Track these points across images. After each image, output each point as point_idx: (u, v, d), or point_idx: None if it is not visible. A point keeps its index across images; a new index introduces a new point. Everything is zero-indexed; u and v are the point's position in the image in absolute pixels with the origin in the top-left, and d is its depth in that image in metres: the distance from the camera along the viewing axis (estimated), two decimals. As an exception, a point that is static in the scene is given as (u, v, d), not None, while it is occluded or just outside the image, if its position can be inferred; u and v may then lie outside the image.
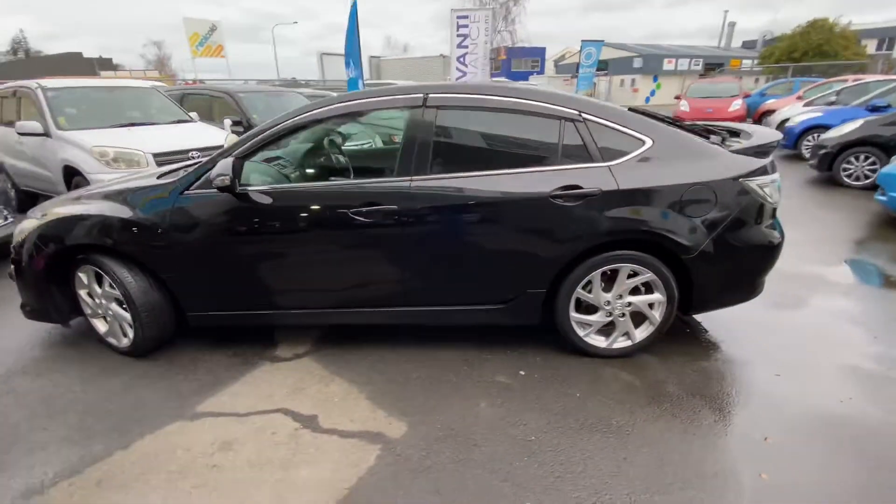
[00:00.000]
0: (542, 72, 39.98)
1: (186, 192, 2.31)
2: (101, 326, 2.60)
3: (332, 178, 2.78)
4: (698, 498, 1.64)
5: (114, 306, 2.46)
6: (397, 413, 2.11)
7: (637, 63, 32.25)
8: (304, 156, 2.99)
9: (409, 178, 2.24)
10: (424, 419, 2.07)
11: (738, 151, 2.28)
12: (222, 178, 2.11)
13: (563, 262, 2.28)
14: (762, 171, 2.25)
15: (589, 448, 1.88)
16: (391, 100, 2.35)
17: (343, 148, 3.37)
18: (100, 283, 2.46)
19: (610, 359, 2.47)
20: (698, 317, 2.87)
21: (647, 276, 2.30)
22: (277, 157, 2.82)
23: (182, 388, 2.33)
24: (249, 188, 2.28)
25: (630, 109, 2.42)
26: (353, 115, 2.44)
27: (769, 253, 2.35)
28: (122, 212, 2.35)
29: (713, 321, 2.83)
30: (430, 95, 2.30)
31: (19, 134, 4.63)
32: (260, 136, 2.32)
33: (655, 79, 31.57)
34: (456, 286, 2.40)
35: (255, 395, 2.25)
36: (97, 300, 2.51)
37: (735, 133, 2.69)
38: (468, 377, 2.36)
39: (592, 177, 2.20)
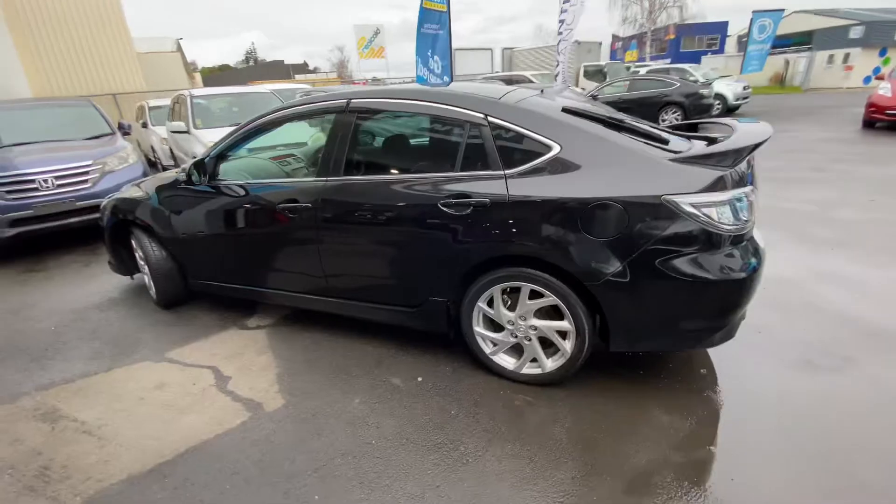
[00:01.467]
0: (720, 50, 34.15)
1: (184, 184, 2.89)
2: (147, 281, 3.44)
3: (276, 176, 2.98)
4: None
5: (146, 268, 3.24)
6: (286, 391, 2.34)
7: (855, 33, 25.00)
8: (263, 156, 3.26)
9: (325, 178, 2.41)
10: (302, 401, 2.26)
11: (681, 160, 1.83)
12: (181, 173, 2.60)
13: (458, 272, 2.18)
14: (712, 186, 1.77)
15: (413, 466, 1.83)
16: (323, 106, 2.52)
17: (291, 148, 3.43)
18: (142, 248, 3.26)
19: (522, 384, 2.26)
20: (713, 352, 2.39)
21: (550, 299, 2.04)
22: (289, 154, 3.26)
23: (171, 336, 2.97)
24: (217, 181, 2.75)
25: (564, 109, 2.13)
26: (291, 120, 2.69)
27: (727, 290, 1.84)
28: (142, 196, 3.07)
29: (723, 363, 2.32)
30: (352, 101, 2.40)
31: (171, 132, 6.15)
32: (222, 142, 2.76)
33: (883, 52, 24.09)
34: (372, 284, 2.48)
35: (206, 352, 2.75)
36: (140, 262, 3.33)
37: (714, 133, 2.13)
38: (369, 373, 2.45)
39: (485, 185, 2.04)
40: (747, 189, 1.85)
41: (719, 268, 1.80)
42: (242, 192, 2.65)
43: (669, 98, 11.42)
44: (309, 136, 3.53)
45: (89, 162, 4.73)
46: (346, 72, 53.89)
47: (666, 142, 2.01)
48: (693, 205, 1.75)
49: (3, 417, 2.28)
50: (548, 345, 2.17)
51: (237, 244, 2.80)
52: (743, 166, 1.89)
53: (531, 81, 15.02)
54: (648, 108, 11.46)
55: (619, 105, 11.49)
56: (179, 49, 32.98)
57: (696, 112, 11.24)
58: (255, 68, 56.49)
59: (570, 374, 2.15)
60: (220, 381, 2.46)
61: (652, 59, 29.88)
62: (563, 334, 2.10)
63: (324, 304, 2.68)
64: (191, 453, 1.97)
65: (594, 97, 12.26)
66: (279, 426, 2.10)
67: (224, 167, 2.81)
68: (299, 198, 2.44)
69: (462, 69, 19.23)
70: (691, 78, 13.00)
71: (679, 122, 2.60)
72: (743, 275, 1.83)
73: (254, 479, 1.82)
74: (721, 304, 1.88)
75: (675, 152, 1.92)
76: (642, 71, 15.73)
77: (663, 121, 11.48)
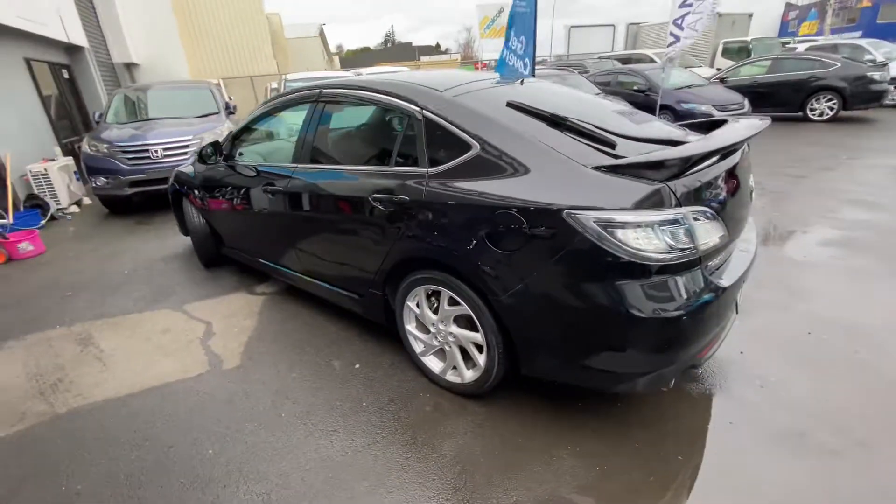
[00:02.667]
0: (937, 19, 26.19)
1: (207, 161, 3.30)
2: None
3: (275, 160, 3.06)
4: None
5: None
6: (246, 354, 2.60)
7: None
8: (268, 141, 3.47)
9: (294, 164, 2.56)
10: (252, 366, 2.50)
11: (607, 168, 1.55)
12: (197, 152, 2.98)
13: (385, 269, 2.16)
14: (630, 203, 1.47)
15: (299, 446, 1.92)
16: (303, 95, 2.64)
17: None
18: (193, 214, 3.83)
19: (445, 390, 2.19)
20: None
21: (463, 308, 1.92)
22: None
23: (196, 291, 3.48)
24: (234, 162, 3.09)
25: (508, 104, 1.94)
26: (281, 109, 2.84)
27: (646, 328, 1.52)
28: (190, 171, 3.58)
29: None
30: (324, 91, 2.48)
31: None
32: (237, 128, 3.07)
33: None
34: (330, 268, 2.59)
35: (211, 308, 3.17)
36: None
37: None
38: (319, 351, 2.59)
39: (409, 182, 1.97)
40: (687, 210, 1.49)
41: (635, 301, 1.50)
42: (250, 173, 2.93)
43: (823, 82, 9.24)
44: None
45: (190, 137, 5.63)
46: (471, 52, 54.27)
47: (612, 145, 1.71)
48: (601, 223, 1.48)
49: (58, 336, 2.95)
50: (469, 354, 2.06)
51: (244, 218, 3.13)
52: (696, 179, 1.53)
53: (653, 61, 13.46)
54: (792, 93, 9.46)
55: (753, 90, 9.71)
56: (321, 34, 36.68)
57: (859, 100, 8.96)
58: (387, 51, 60.07)
59: (486, 389, 2.02)
60: (206, 335, 2.84)
61: (834, 32, 24.32)
62: (480, 347, 1.97)
63: (302, 282, 2.87)
64: (150, 391, 2.34)
65: (722, 80, 10.53)
66: (222, 383, 2.36)
67: (242, 148, 3.14)
68: (277, 182, 2.64)
69: (578, 48, 18.01)
70: (866, 57, 10.32)
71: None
72: (673, 313, 1.50)
73: (180, 423, 2.10)
74: (638, 344, 1.57)
75: (618, 157, 1.62)
76: (801, 48, 12.92)
77: (812, 110, 9.41)
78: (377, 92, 2.20)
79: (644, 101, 8.90)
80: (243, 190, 2.96)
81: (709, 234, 1.56)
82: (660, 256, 1.47)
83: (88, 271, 4.03)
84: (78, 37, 8.00)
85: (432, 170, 1.92)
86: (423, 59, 46.82)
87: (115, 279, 3.80)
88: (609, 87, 10.00)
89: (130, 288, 3.62)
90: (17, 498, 1.77)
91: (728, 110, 8.52)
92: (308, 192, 2.46)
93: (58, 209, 5.77)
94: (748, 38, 14.23)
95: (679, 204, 1.47)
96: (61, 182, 5.87)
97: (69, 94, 7.96)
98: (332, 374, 2.39)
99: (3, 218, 4.70)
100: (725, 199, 1.68)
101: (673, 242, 1.47)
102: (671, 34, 8.07)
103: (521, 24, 7.58)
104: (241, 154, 3.14)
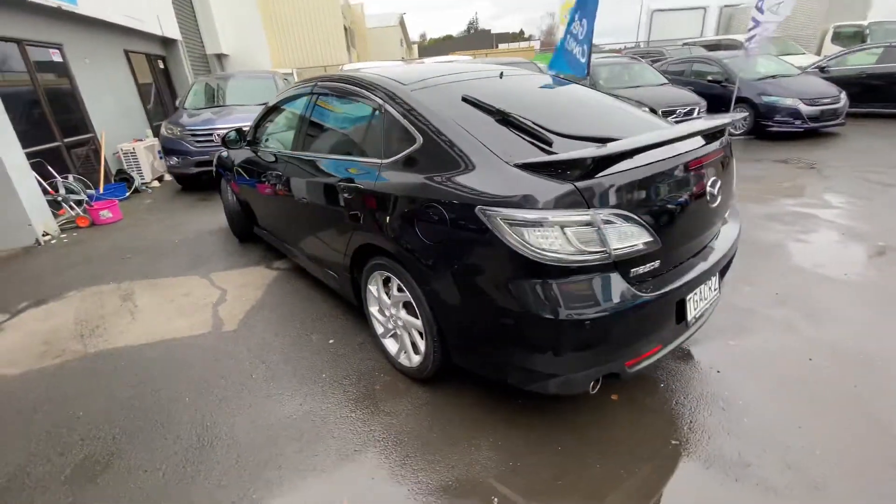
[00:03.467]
0: None
1: (231, 145, 3.65)
2: (230, 219, 4.49)
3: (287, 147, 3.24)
4: None
5: (229, 207, 4.25)
6: (244, 321, 2.90)
7: None
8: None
9: (290, 151, 2.77)
10: (245, 332, 2.78)
11: (526, 166, 1.54)
12: (221, 136, 3.31)
13: (350, 252, 2.30)
14: (551, 202, 1.44)
15: (254, 404, 2.15)
16: (303, 87, 2.83)
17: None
18: (231, 192, 4.27)
19: (400, 372, 2.30)
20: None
21: (406, 295, 2.01)
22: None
23: (224, 261, 3.89)
24: (254, 148, 3.40)
25: (464, 98, 1.96)
26: (289, 101, 3.05)
27: (544, 329, 1.50)
28: (226, 153, 3.97)
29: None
30: (318, 84, 2.65)
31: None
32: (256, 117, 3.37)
33: None
34: (317, 248, 2.79)
35: (231, 278, 3.54)
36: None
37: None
38: (304, 325, 2.81)
39: (367, 172, 2.08)
40: (596, 212, 1.43)
41: (539, 301, 1.49)
42: (266, 158, 3.22)
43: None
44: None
45: (249, 123, 6.18)
46: (553, 38, 52.40)
47: (549, 143, 1.67)
48: (507, 220, 1.48)
49: (108, 290, 3.50)
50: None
51: (260, 198, 3.45)
52: (615, 181, 1.47)
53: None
54: (907, 86, 8.06)
55: (858, 82, 8.42)
56: (401, 23, 37.55)
57: None
58: (468, 38, 59.93)
59: (427, 375, 2.09)
60: (219, 301, 3.20)
61: None
62: (421, 333, 2.04)
63: (300, 260, 3.12)
64: (159, 343, 2.72)
65: (822, 70, 9.24)
66: (216, 344, 2.67)
67: (263, 135, 3.44)
68: (276, 167, 2.88)
69: (662, 33, 16.66)
70: None
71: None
72: (577, 317, 1.47)
73: (172, 372, 2.44)
74: (543, 345, 1.55)
75: (552, 154, 1.60)
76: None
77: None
78: (355, 85, 2.32)
79: (720, 92, 8.10)
80: (258, 173, 3.25)
81: (626, 239, 1.48)
82: (566, 258, 1.44)
83: (149, 238, 4.67)
84: (172, 31, 9.05)
85: (385, 161, 2.00)
86: (501, 46, 46.19)
87: (167, 247, 4.37)
88: (682, 77, 9.24)
89: (176, 255, 4.14)
90: (36, 415, 2.19)
91: (818, 104, 7.48)
92: (298, 177, 2.67)
93: (141, 183, 6.67)
94: (864, 22, 12.20)
95: (588, 205, 1.43)
96: (146, 160, 6.76)
97: (163, 81, 9.06)
98: (307, 345, 2.60)
99: (91, 189, 5.55)
100: (663, 204, 1.58)
101: (581, 245, 1.44)
102: (752, 19, 7.25)
103: (585, 5, 7.22)
104: (264, 140, 3.44)
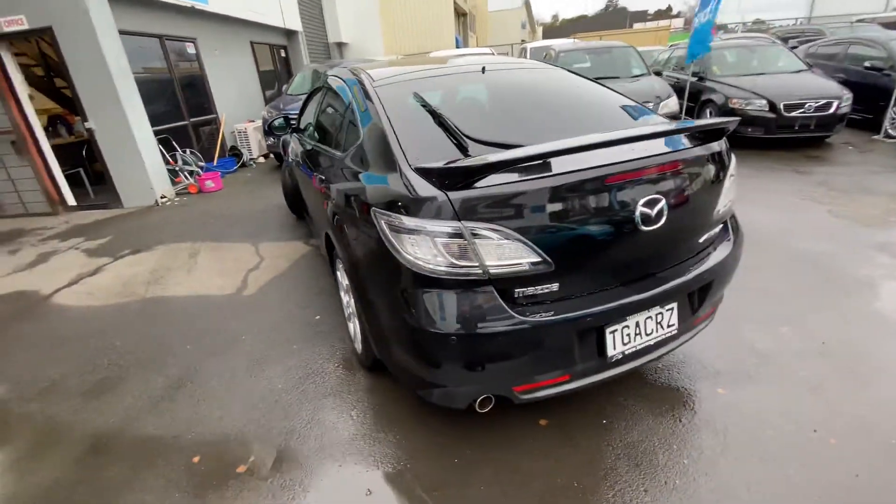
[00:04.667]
0: None
1: (291, 131, 4.05)
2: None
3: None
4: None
5: (289, 185, 4.76)
6: (263, 289, 3.29)
7: None
8: None
9: (309, 140, 3.02)
10: (258, 298, 3.16)
11: (419, 170, 1.50)
12: (269, 123, 3.71)
13: (323, 239, 2.47)
14: (425, 209, 1.40)
15: (229, 361, 2.47)
16: (321, 81, 3.02)
17: None
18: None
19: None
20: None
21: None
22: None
23: (276, 233, 4.40)
24: (299, 135, 3.75)
25: (414, 95, 1.94)
26: (315, 93, 3.24)
27: (416, 337, 1.48)
28: (285, 140, 4.43)
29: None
30: (327, 77, 2.82)
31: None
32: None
33: None
34: (317, 232, 3.01)
35: (273, 249, 4.00)
36: (291, 181, 4.88)
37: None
38: (307, 298, 3.08)
39: (331, 165, 2.21)
40: (464, 224, 1.34)
41: (412, 308, 1.47)
42: (297, 146, 3.55)
43: None
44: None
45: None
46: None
47: (464, 148, 1.59)
48: (390, 224, 1.47)
49: (184, 248, 4.21)
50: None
51: (296, 180, 3.81)
52: (499, 192, 1.36)
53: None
54: None
55: None
56: (526, 5, 36.44)
57: None
58: (601, 18, 55.87)
59: (367, 364, 2.18)
60: (254, 267, 3.66)
61: None
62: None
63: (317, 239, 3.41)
64: (194, 297, 3.24)
65: None
66: (232, 304, 3.09)
67: (304, 123, 3.77)
68: (299, 153, 3.16)
69: (830, 8, 13.60)
70: None
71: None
72: (443, 331, 1.41)
73: (190, 321, 2.91)
74: (418, 353, 1.52)
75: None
76: None
77: None
78: (340, 79, 2.44)
79: (881, 82, 6.46)
80: (293, 158, 3.60)
81: (506, 256, 1.37)
82: (438, 269, 1.39)
83: (234, 207, 5.45)
84: (294, 23, 10.15)
85: (342, 154, 2.10)
86: (637, 25, 42.10)
87: (243, 216, 5.07)
88: (832, 63, 7.54)
89: (246, 224, 4.79)
90: (90, 339, 2.81)
91: None
92: (306, 165, 2.91)
93: (249, 159, 7.74)
94: None
95: (458, 217, 1.34)
96: (255, 139, 7.80)
97: (283, 69, 10.27)
98: (298, 318, 2.86)
99: (202, 162, 6.63)
100: (560, 223, 1.40)
101: (452, 258, 1.37)
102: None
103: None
104: (303, 129, 3.78)
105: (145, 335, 2.81)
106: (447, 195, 1.36)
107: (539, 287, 1.45)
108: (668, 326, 1.66)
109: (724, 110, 6.22)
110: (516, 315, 1.40)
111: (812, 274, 2.88)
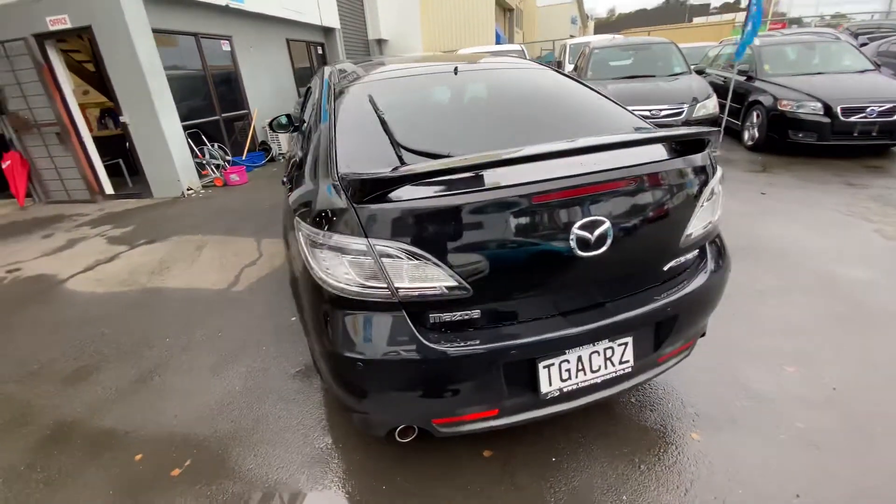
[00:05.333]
0: None
1: (293, 129, 4.06)
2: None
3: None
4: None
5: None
6: (252, 287, 3.32)
7: None
8: None
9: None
10: (246, 296, 3.19)
11: (340, 181, 1.39)
12: (272, 121, 3.73)
13: None
14: (335, 223, 1.29)
15: (202, 355, 2.49)
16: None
17: None
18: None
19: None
20: None
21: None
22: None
23: (277, 230, 4.43)
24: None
25: (369, 98, 1.84)
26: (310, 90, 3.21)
27: (326, 357, 1.40)
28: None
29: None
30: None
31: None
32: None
33: None
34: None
35: (273, 247, 4.05)
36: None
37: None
38: (285, 302, 3.05)
39: (295, 166, 2.15)
40: (367, 240, 1.22)
41: (320, 327, 1.38)
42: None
43: None
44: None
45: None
46: (773, 5, 42.54)
47: (399, 156, 1.48)
48: (305, 237, 1.38)
49: (193, 240, 4.35)
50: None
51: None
52: (408, 208, 1.23)
53: None
54: None
55: None
56: (577, 0, 35.23)
57: None
58: (660, 11, 53.09)
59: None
60: (250, 263, 3.71)
61: None
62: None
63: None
64: (187, 290, 3.33)
65: None
66: (220, 300, 3.14)
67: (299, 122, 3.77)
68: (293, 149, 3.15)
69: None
70: None
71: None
72: (346, 354, 1.30)
73: (177, 313, 2.97)
74: (330, 373, 1.42)
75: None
76: None
77: None
78: (322, 77, 2.38)
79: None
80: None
81: (418, 279, 1.24)
82: (345, 288, 1.29)
83: (253, 202, 5.59)
84: (331, 21, 10.31)
85: (301, 155, 2.04)
86: (697, 20, 39.58)
87: (257, 210, 5.19)
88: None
89: (258, 218, 4.89)
90: (84, 326, 2.94)
91: None
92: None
93: (278, 153, 7.94)
94: None
95: (365, 234, 1.23)
96: (284, 134, 7.99)
97: (319, 66, 10.46)
98: (275, 319, 2.86)
99: (228, 156, 6.86)
100: (480, 245, 1.25)
101: (359, 277, 1.26)
102: None
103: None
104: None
105: (132, 325, 2.91)
106: (355, 209, 1.25)
107: (457, 313, 1.31)
108: (621, 363, 1.47)
109: (773, 113, 5.67)
110: (428, 343, 1.28)
111: (840, 304, 2.52)
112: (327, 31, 10.66)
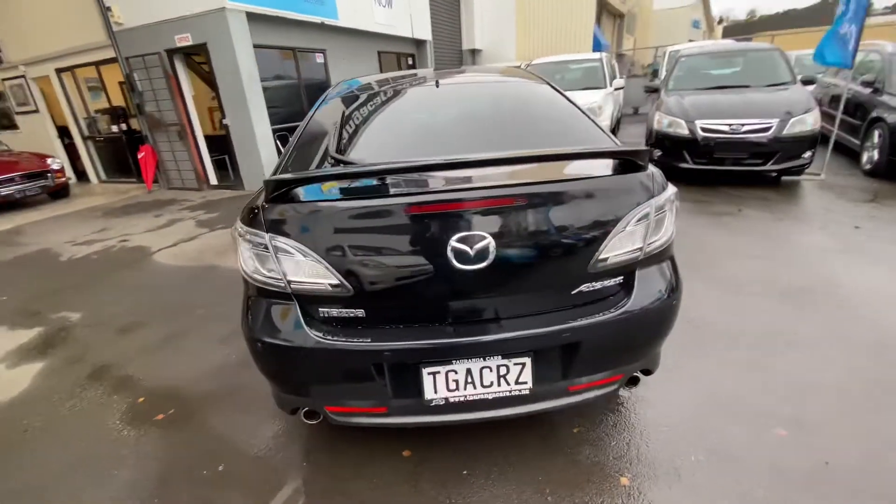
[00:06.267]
0: None
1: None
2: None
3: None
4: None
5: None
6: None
7: None
8: None
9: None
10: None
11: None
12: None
13: None
14: (250, 218, 1.46)
15: (204, 334, 2.88)
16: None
17: None
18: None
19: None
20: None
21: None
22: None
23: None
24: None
25: (343, 103, 2.02)
26: None
27: (245, 338, 1.55)
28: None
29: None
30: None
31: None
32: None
33: None
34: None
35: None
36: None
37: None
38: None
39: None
40: (266, 235, 1.37)
41: (243, 308, 1.57)
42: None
43: None
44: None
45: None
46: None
47: (336, 161, 1.62)
48: (235, 230, 1.58)
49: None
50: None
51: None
52: (300, 209, 1.36)
53: None
54: None
55: None
56: (703, 1, 32.07)
57: None
58: (812, 11, 46.09)
59: None
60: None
61: None
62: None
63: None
64: (234, 271, 3.83)
65: None
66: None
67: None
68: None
69: None
70: None
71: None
72: (248, 331, 1.48)
73: (221, 291, 3.46)
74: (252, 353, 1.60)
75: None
76: None
77: None
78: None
79: None
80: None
81: (307, 274, 1.36)
82: (253, 276, 1.46)
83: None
84: (422, 33, 10.87)
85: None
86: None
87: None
88: None
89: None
90: (154, 291, 3.56)
91: None
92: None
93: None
94: None
95: (266, 228, 1.38)
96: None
97: (409, 75, 11.08)
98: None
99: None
100: (361, 248, 1.32)
101: (261, 267, 1.42)
102: None
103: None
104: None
105: (185, 294, 3.45)
106: (263, 208, 1.42)
107: (343, 310, 1.40)
108: (518, 384, 1.43)
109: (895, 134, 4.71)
110: (310, 333, 1.39)
111: (889, 372, 2.07)
112: (419, 43, 11.25)
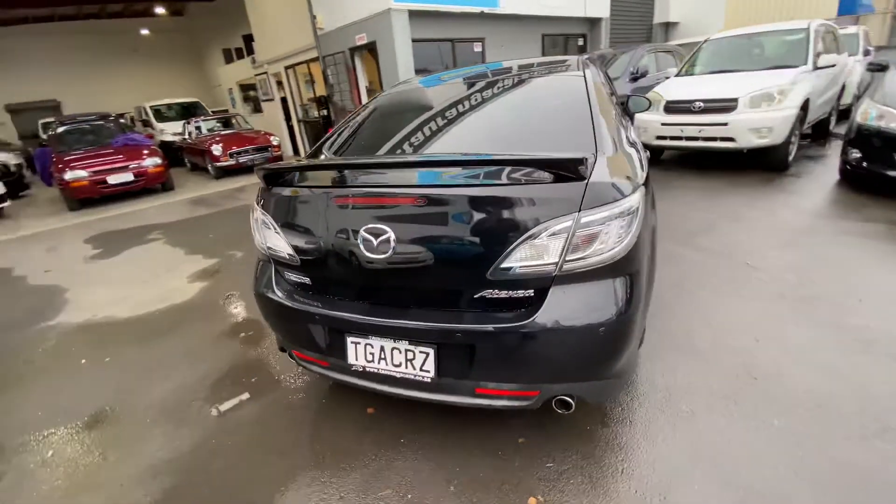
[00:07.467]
0: None
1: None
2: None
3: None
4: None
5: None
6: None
7: None
8: None
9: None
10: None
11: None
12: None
13: None
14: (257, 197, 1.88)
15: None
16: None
17: None
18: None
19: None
20: None
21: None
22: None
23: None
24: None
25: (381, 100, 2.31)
26: None
27: None
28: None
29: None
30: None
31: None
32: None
33: None
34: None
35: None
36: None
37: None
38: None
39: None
40: (260, 211, 1.77)
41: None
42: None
43: None
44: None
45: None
46: None
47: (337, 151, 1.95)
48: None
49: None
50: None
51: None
52: (276, 192, 1.73)
53: None
54: None
55: None
56: None
57: None
58: None
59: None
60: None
61: None
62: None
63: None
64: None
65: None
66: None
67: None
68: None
69: None
70: None
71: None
72: (254, 288, 1.94)
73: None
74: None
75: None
76: None
77: None
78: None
79: None
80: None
81: (276, 243, 1.72)
82: (257, 244, 1.90)
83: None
84: (598, 11, 10.09)
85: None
86: None
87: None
88: None
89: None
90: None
91: None
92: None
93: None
94: None
95: (260, 206, 1.79)
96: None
97: (576, 57, 10.50)
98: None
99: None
100: (302, 228, 1.63)
101: (258, 236, 1.85)
102: None
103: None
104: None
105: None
106: (263, 190, 1.83)
107: (296, 275, 1.73)
108: (422, 370, 1.55)
109: None
110: (277, 290, 1.77)
111: None
112: (593, 22, 10.52)
